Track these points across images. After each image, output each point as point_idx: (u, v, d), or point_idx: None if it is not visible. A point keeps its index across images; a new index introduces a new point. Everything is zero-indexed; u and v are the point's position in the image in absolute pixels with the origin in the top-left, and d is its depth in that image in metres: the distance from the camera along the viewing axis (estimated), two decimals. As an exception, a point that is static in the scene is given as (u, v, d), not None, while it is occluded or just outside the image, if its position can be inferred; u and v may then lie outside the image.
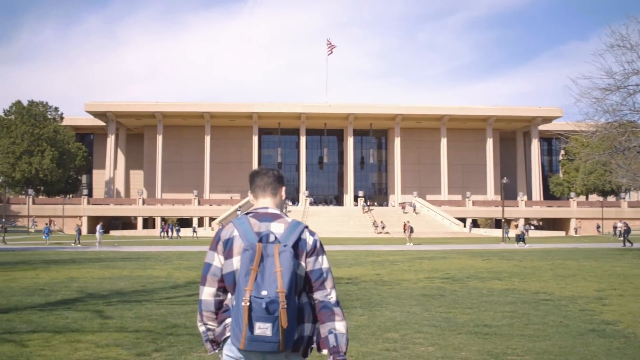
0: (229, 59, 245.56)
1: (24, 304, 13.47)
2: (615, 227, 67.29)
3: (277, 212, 3.65)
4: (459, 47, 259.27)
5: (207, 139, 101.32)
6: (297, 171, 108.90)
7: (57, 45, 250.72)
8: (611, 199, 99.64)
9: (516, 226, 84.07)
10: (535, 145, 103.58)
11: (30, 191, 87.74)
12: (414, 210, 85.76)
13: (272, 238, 3.45)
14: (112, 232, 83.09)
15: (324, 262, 3.54)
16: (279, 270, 3.25)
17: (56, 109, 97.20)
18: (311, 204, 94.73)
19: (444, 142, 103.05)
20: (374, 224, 77.77)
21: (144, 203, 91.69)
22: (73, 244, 48.91)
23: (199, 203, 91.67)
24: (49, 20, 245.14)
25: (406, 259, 29.76)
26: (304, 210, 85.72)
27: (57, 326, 10.50)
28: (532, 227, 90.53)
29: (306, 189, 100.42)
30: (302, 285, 3.47)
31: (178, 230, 70.28)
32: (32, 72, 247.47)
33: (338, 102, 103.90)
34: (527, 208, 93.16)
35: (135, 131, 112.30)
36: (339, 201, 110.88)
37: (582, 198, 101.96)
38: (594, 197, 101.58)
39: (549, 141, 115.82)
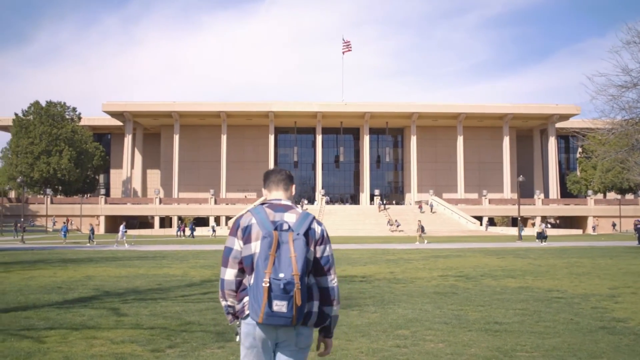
0: (245, 58, 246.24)
1: (42, 301, 13.70)
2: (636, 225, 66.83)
3: (289, 203, 4.22)
4: (475, 45, 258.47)
5: (224, 138, 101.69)
6: (313, 170, 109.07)
7: (75, 46, 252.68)
8: (629, 196, 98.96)
9: (533, 224, 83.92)
10: (552, 143, 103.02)
11: (48, 191, 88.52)
12: (431, 209, 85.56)
13: (285, 227, 3.97)
14: (129, 232, 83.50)
15: (329, 251, 4.13)
16: (294, 255, 3.81)
17: (74, 109, 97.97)
18: (327, 202, 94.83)
19: (460, 140, 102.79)
20: (388, 222, 77.76)
21: (160, 202, 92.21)
22: (89, 244, 49.35)
23: (216, 202, 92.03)
24: (66, 21, 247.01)
25: (421, 257, 29.80)
26: (320, 209, 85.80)
27: (73, 323, 10.69)
28: (549, 226, 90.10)
29: (322, 188, 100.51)
30: (310, 268, 4.03)
31: (192, 229, 70.11)
32: (50, 73, 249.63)
33: (354, 101, 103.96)
34: (544, 206, 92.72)
35: (152, 131, 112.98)
36: (355, 200, 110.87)
37: (600, 196, 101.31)
38: (611, 195, 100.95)
39: (566, 139, 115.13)
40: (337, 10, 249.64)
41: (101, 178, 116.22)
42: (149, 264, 25.36)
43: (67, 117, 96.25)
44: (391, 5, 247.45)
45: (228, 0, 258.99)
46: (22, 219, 60.52)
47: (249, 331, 3.98)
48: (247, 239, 4.02)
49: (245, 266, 4.01)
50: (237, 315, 4.08)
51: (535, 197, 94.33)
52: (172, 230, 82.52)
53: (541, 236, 47.80)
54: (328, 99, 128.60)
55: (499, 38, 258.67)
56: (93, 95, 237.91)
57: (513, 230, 77.06)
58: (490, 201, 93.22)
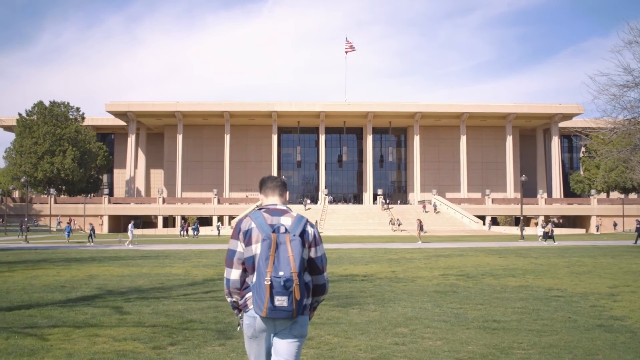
0: (249, 58, 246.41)
1: (45, 300, 13.83)
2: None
3: (284, 207, 4.64)
4: (478, 45, 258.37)
5: (227, 138, 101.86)
6: (316, 169, 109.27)
7: (78, 46, 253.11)
8: (632, 196, 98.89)
9: (536, 224, 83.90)
10: (555, 143, 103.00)
11: (52, 191, 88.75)
12: (435, 209, 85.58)
13: (282, 229, 4.39)
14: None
15: (322, 251, 4.59)
16: (291, 255, 4.25)
17: (77, 109, 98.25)
18: (330, 202, 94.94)
19: (463, 139, 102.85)
20: (390, 221, 77.88)
21: (164, 202, 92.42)
22: (88, 243, 49.53)
23: (219, 202, 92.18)
24: (69, 21, 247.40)
25: (423, 256, 29.87)
26: (323, 209, 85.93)
27: (76, 321, 10.81)
28: (551, 224, 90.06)
29: (325, 188, 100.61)
30: (305, 266, 4.45)
31: (194, 229, 70.27)
32: (53, 73, 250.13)
33: (357, 101, 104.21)
34: (547, 205, 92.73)
35: (156, 131, 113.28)
36: (358, 199, 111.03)
37: (603, 195, 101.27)
38: (615, 195, 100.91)
39: (569, 138, 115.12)
40: (340, 10, 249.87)
41: (105, 178, 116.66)
42: (151, 263, 25.48)
43: (71, 117, 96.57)
44: (394, 5, 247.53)
45: (231, 0, 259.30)
46: (26, 219, 60.68)
47: (250, 323, 4.44)
48: (248, 242, 4.45)
49: (248, 266, 4.45)
50: (241, 309, 4.53)
51: (539, 196, 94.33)
52: (176, 230, 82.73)
53: (548, 236, 47.97)
54: (331, 99, 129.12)
55: (502, 38, 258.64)
56: (96, 95, 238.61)
57: (516, 230, 77.11)
58: (493, 201, 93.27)
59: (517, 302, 13.36)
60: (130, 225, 48.34)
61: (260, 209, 4.64)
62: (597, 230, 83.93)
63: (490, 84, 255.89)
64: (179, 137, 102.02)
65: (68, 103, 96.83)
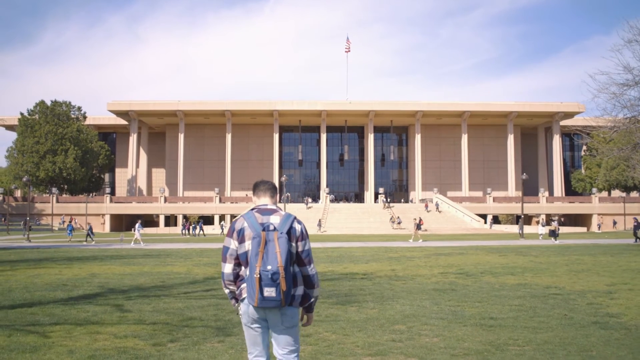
0: (250, 57, 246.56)
1: (47, 298, 13.96)
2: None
3: (274, 207, 5.20)
4: (480, 43, 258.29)
5: (229, 137, 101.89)
6: (317, 168, 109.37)
7: (80, 45, 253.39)
8: (634, 194, 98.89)
9: (537, 222, 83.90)
10: (556, 141, 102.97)
11: (54, 190, 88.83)
12: (437, 208, 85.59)
13: (272, 227, 4.93)
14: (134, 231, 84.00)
15: (308, 245, 5.11)
16: (278, 250, 4.80)
17: (79, 108, 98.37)
18: (332, 201, 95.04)
19: (464, 138, 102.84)
20: (391, 219, 78.01)
21: (165, 201, 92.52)
22: (85, 242, 49.64)
23: (220, 201, 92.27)
24: (71, 20, 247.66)
25: (423, 255, 29.99)
26: (324, 208, 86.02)
27: (78, 319, 10.95)
28: (552, 223, 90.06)
29: (327, 186, 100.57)
30: (294, 259, 5.00)
31: (194, 228, 70.65)
32: (55, 72, 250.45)
33: (358, 99, 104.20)
34: (548, 204, 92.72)
35: (157, 130, 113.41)
36: (359, 198, 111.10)
37: (605, 194, 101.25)
38: (616, 193, 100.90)
39: (571, 137, 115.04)
40: (341, 9, 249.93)
41: (106, 177, 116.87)
42: (153, 262, 25.63)
43: (73, 116, 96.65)
44: (395, 3, 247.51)
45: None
46: (28, 218, 60.81)
47: (244, 310, 5.04)
48: (241, 239, 5.01)
49: (242, 261, 5.01)
50: (237, 298, 5.14)
51: (540, 195, 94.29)
52: (177, 229, 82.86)
53: (555, 234, 48.16)
54: (332, 98, 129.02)
55: (504, 36, 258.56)
56: (98, 95, 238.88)
57: (518, 228, 77.09)
58: (494, 199, 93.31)
59: (514, 299, 13.47)
60: (137, 225, 48.53)
61: (252, 209, 5.20)
62: (599, 229, 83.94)
63: (491, 82, 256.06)
64: (181, 136, 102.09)
65: (70, 102, 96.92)
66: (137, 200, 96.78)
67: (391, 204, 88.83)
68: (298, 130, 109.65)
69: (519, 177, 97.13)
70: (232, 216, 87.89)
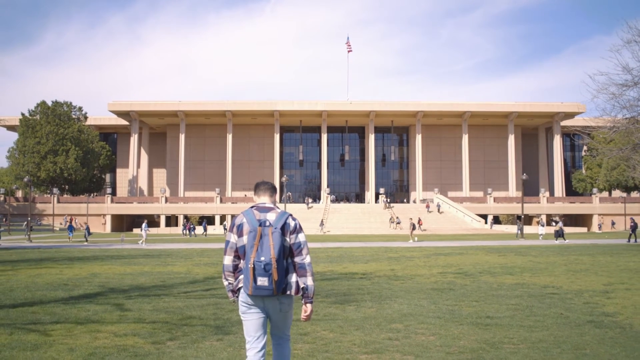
0: (251, 57, 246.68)
1: (48, 297, 14.06)
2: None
3: (272, 205, 5.67)
4: (481, 43, 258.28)
5: (229, 137, 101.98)
6: (318, 168, 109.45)
7: (81, 46, 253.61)
8: (635, 194, 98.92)
9: (538, 222, 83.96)
10: (557, 141, 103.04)
11: (55, 190, 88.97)
12: (439, 209, 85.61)
13: (267, 223, 5.42)
14: (135, 230, 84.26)
15: (301, 238, 5.52)
16: (272, 244, 5.30)
17: (80, 108, 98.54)
18: (333, 201, 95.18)
19: (465, 138, 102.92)
20: (390, 219, 78.17)
21: (166, 201, 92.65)
22: (87, 242, 49.69)
23: (221, 201, 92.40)
24: (72, 20, 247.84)
25: (423, 255, 30.09)
26: (325, 208, 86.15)
27: (78, 318, 11.05)
28: (554, 223, 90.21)
29: (328, 186, 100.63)
30: (287, 252, 5.46)
31: (192, 229, 70.82)
32: (56, 73, 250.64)
33: (359, 100, 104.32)
34: (549, 204, 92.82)
35: (158, 130, 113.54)
36: (360, 198, 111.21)
37: (605, 194, 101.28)
38: (617, 193, 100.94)
39: (572, 137, 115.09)
40: (342, 9, 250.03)
41: (107, 177, 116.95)
42: (153, 262, 25.73)
43: (74, 116, 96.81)
44: (396, 3, 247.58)
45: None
46: (29, 218, 60.93)
47: (243, 299, 5.48)
48: (240, 234, 5.48)
49: (240, 254, 5.48)
50: (234, 290, 5.58)
51: (541, 195, 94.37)
52: (178, 229, 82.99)
53: (559, 234, 48.31)
54: (333, 98, 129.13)
55: (505, 36, 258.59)
56: (99, 95, 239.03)
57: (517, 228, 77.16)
58: (495, 199, 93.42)
59: (512, 299, 13.57)
60: (143, 225, 48.69)
61: (252, 206, 5.65)
62: (600, 229, 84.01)
63: (492, 82, 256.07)
64: (182, 137, 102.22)
65: (71, 103, 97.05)
66: (138, 200, 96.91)
67: (391, 205, 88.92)
68: (299, 130, 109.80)
69: (519, 178, 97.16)
70: (233, 216, 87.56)
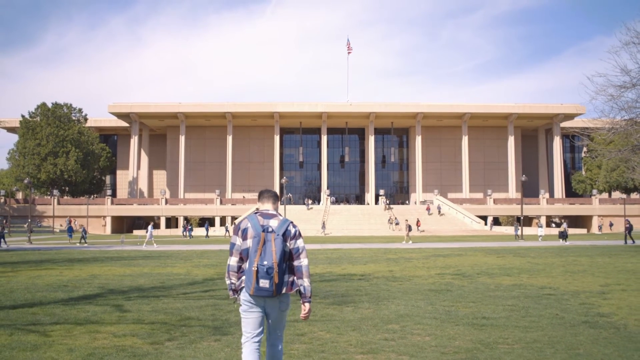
0: (251, 59, 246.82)
1: (48, 299, 14.15)
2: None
3: (274, 212, 6.10)
4: (481, 45, 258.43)
5: (229, 138, 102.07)
6: (318, 170, 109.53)
7: (81, 47, 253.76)
8: (634, 196, 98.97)
9: (537, 224, 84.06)
10: (557, 143, 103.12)
11: (55, 192, 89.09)
12: (439, 211, 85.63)
13: (270, 229, 5.82)
14: (135, 232, 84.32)
15: (300, 243, 5.95)
16: (274, 250, 5.71)
17: (80, 110, 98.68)
18: (333, 202, 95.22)
19: (465, 140, 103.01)
20: (389, 220, 78.29)
21: (166, 203, 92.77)
22: (78, 244, 49.56)
23: (221, 202, 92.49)
24: (73, 22, 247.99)
25: (422, 256, 30.15)
26: (325, 209, 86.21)
27: (78, 318, 11.14)
28: (554, 225, 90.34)
29: (328, 188, 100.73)
30: (287, 256, 5.86)
31: (191, 230, 70.89)
32: (56, 74, 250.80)
33: (359, 101, 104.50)
34: (548, 205, 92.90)
35: (158, 132, 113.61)
36: (360, 200, 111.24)
37: (605, 195, 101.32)
38: (617, 195, 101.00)
39: (571, 138, 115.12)
40: (343, 10, 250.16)
41: (108, 179, 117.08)
42: (153, 263, 25.80)
43: (74, 118, 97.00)
44: (397, 5, 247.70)
45: (234, 1, 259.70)
46: (30, 220, 61.03)
47: (245, 298, 5.86)
48: (244, 237, 5.89)
49: (244, 256, 5.88)
50: (236, 290, 5.95)
51: (540, 196, 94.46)
52: (178, 231, 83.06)
53: (562, 235, 48.36)
54: (333, 99, 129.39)
55: (506, 37, 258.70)
56: (99, 97, 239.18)
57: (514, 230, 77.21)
58: (495, 201, 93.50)
59: (508, 300, 13.65)
60: (149, 227, 48.78)
61: (256, 212, 6.06)
62: (600, 230, 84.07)
63: (492, 84, 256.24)
64: (182, 138, 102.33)
65: (71, 104, 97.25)
66: (138, 202, 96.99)
67: (391, 206, 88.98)
68: (299, 132, 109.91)
69: (519, 179, 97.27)
70: (233, 218, 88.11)
